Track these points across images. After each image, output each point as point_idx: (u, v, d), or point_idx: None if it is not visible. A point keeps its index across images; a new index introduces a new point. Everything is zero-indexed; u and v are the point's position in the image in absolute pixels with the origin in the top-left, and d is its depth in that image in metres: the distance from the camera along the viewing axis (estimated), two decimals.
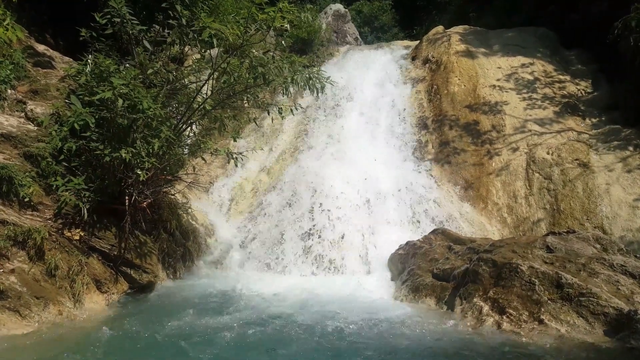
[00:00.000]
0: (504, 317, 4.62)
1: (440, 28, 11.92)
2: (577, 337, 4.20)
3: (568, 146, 7.95)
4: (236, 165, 7.13)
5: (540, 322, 4.43)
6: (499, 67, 9.88)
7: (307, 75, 6.15)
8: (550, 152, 7.95)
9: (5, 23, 5.69)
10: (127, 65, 6.15)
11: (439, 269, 5.85)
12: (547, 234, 5.68)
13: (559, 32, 10.76)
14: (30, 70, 6.62)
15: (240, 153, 6.72)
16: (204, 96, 6.26)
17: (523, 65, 9.88)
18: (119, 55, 6.37)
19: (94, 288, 5.52)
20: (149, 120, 5.59)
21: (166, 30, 6.54)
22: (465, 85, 9.61)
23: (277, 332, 4.69)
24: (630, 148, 7.64)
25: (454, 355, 4.15)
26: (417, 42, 11.96)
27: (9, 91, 6.12)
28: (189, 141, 6.85)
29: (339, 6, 15.54)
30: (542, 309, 4.50)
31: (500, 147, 8.38)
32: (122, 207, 5.80)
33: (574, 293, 4.49)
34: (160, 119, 5.71)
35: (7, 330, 4.51)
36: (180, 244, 6.95)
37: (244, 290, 6.15)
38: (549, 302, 4.54)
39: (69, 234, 5.53)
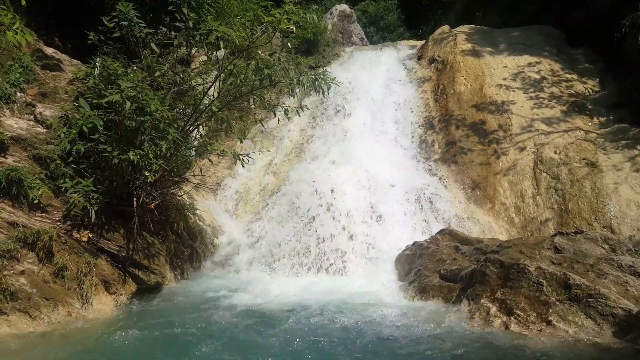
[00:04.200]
0: (512, 318, 4.61)
1: (446, 27, 11.89)
2: (586, 339, 4.18)
3: (575, 145, 7.91)
4: (243, 166, 7.15)
5: (548, 323, 4.41)
6: (506, 67, 9.84)
7: (313, 77, 6.17)
8: (558, 151, 7.90)
9: (14, 27, 5.74)
10: (135, 67, 6.20)
11: (446, 270, 5.84)
12: (555, 234, 5.66)
13: (565, 30, 10.70)
14: (39, 73, 6.69)
15: (247, 154, 6.75)
16: (211, 98, 6.30)
17: (529, 64, 9.84)
18: (127, 58, 6.42)
19: (102, 289, 5.56)
20: (157, 122, 5.63)
21: (173, 33, 6.59)
22: (471, 85, 9.58)
23: (284, 333, 4.70)
24: (639, 147, 7.58)
25: (461, 356, 4.13)
26: (423, 41, 11.94)
27: (19, 94, 6.18)
28: (196, 143, 6.89)
29: (344, 7, 15.55)
30: (550, 310, 4.48)
31: (507, 146, 8.35)
32: (130, 209, 5.85)
33: (582, 294, 4.46)
34: (167, 121, 5.74)
35: (17, 331, 4.56)
36: (188, 244, 6.99)
37: (250, 291, 6.17)
38: (557, 303, 4.51)
39: (77, 236, 5.59)
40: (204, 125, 6.86)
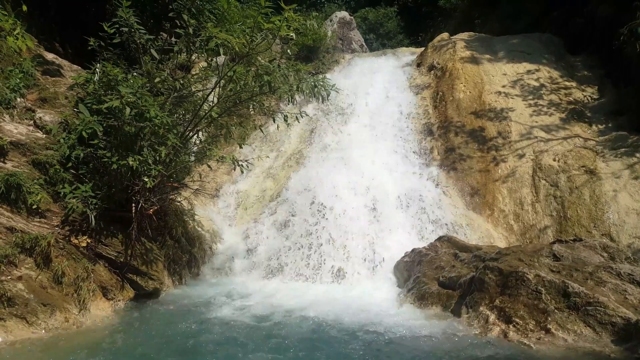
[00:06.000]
0: (511, 326, 4.60)
1: (445, 35, 11.94)
2: (584, 347, 4.17)
3: (574, 153, 7.92)
4: (242, 172, 7.15)
5: (547, 331, 4.40)
6: (505, 74, 9.87)
7: (313, 83, 6.18)
8: (557, 158, 7.91)
9: (15, 32, 5.77)
10: (135, 73, 6.22)
11: (445, 277, 5.83)
12: (554, 242, 5.66)
13: (564, 38, 10.75)
14: (40, 79, 6.71)
15: (246, 160, 6.75)
16: (211, 104, 6.31)
17: (528, 72, 9.87)
18: (127, 64, 6.44)
19: (100, 295, 5.54)
20: (156, 128, 5.64)
21: (173, 39, 6.61)
22: (470, 92, 9.60)
23: (282, 339, 4.69)
24: (638, 155, 7.58)
25: None
26: (422, 48, 11.99)
27: (19, 99, 6.20)
28: (195, 148, 6.90)
29: (344, 13, 15.64)
30: (549, 318, 4.47)
31: (506, 153, 8.36)
32: (129, 214, 5.84)
33: (581, 302, 4.46)
34: (167, 127, 5.75)
35: (14, 337, 4.54)
36: (186, 250, 6.98)
37: (249, 297, 6.16)
38: (555, 311, 4.51)
39: (76, 241, 5.58)
40: (204, 131, 6.87)
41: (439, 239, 6.81)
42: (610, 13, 9.38)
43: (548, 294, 4.63)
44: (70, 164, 5.76)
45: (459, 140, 8.90)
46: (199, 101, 6.41)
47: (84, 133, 5.51)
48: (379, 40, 19.95)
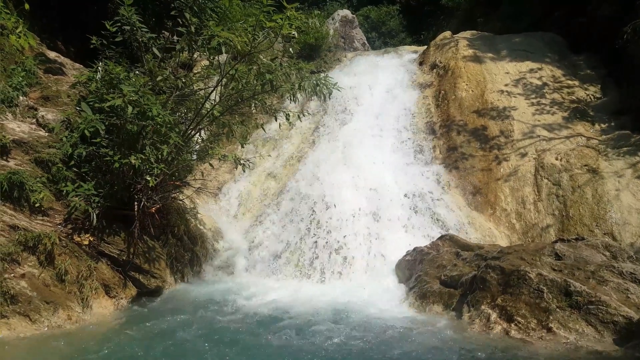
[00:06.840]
0: (512, 325, 4.59)
1: (447, 33, 11.91)
2: (586, 346, 4.16)
3: (577, 152, 7.90)
4: (244, 171, 7.16)
5: (549, 330, 4.40)
6: (507, 72, 9.85)
7: (315, 82, 6.18)
8: (559, 157, 7.90)
9: (17, 31, 5.78)
10: (137, 72, 6.23)
11: (447, 276, 5.83)
12: (556, 241, 5.65)
13: (566, 37, 10.72)
14: (42, 77, 6.73)
15: (248, 159, 6.76)
16: (213, 102, 6.32)
17: (531, 71, 9.84)
18: (129, 62, 6.45)
19: (102, 293, 5.56)
20: (158, 126, 5.65)
21: (175, 37, 6.62)
22: (473, 91, 9.58)
23: (283, 338, 4.70)
24: None
25: None
26: (425, 47, 11.96)
27: (21, 98, 6.21)
28: (197, 147, 6.91)
29: (346, 12, 15.63)
30: (551, 317, 4.47)
31: (508, 152, 8.34)
32: (131, 213, 5.86)
33: (583, 301, 4.45)
34: (169, 125, 5.76)
35: (17, 334, 4.56)
36: (188, 248, 7.00)
37: (251, 295, 6.17)
38: (557, 310, 4.50)
39: (78, 239, 5.59)
40: (206, 129, 6.88)
41: (441, 237, 6.81)
42: (612, 13, 9.35)
43: (550, 292, 4.62)
44: (72, 163, 5.78)
45: (461, 139, 8.88)
46: (201, 100, 6.42)
47: (86, 131, 5.53)
48: (381, 38, 19.95)
